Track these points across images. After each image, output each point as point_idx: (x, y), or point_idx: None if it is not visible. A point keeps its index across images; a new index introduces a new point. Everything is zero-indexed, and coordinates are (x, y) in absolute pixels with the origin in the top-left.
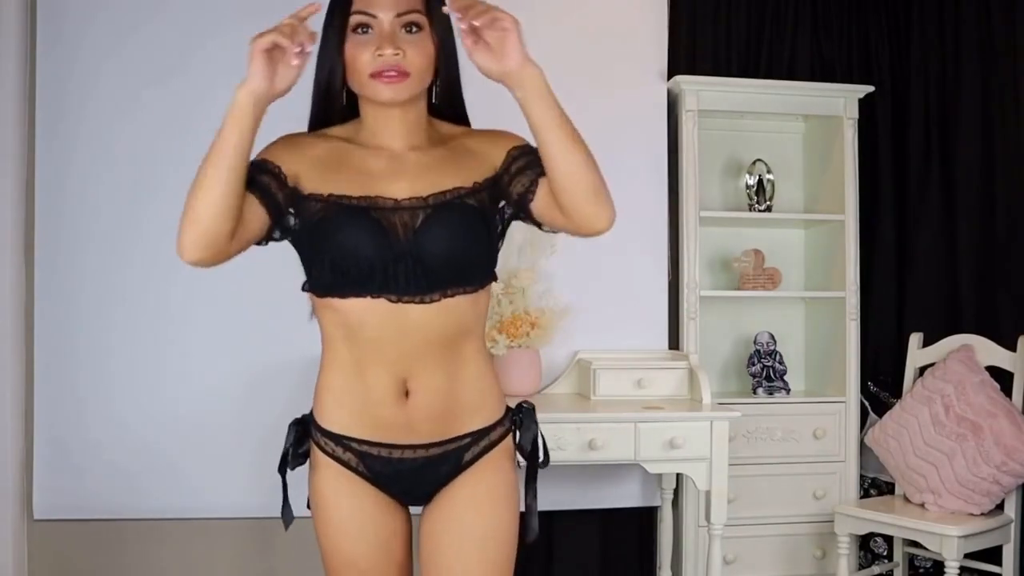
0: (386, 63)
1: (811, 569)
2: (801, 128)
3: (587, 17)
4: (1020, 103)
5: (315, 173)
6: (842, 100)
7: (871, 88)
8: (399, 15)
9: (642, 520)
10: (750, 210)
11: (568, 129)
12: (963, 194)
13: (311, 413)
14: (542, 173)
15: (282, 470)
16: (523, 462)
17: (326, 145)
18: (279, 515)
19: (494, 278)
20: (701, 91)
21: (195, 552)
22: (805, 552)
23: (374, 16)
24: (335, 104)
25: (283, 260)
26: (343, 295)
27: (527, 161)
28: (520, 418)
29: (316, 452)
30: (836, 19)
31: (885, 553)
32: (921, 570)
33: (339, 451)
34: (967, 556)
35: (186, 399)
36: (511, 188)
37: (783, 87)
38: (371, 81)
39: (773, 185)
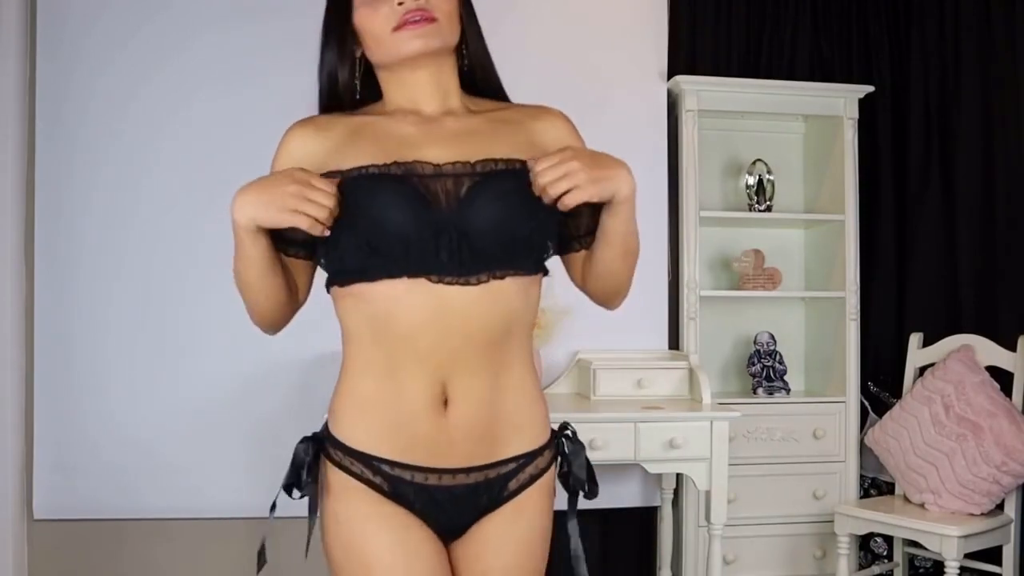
0: (409, 9)
1: (811, 569)
2: (801, 128)
3: (587, 17)
4: (1020, 103)
5: (338, 153)
6: (842, 100)
7: (871, 88)
8: None
9: (642, 520)
10: (750, 210)
11: (633, 241)
12: (963, 194)
13: (324, 428)
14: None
15: (286, 493)
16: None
17: (346, 121)
18: (279, 515)
19: (545, 270)
20: (701, 91)
21: (195, 552)
22: (805, 552)
23: None
24: (346, 86)
25: None
26: (372, 278)
27: (590, 212)
28: (567, 443)
29: (335, 475)
30: (836, 19)
31: (885, 553)
32: (921, 570)
33: (368, 473)
34: (967, 556)
35: (186, 399)
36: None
37: (783, 87)
38: (395, 35)
39: (773, 185)
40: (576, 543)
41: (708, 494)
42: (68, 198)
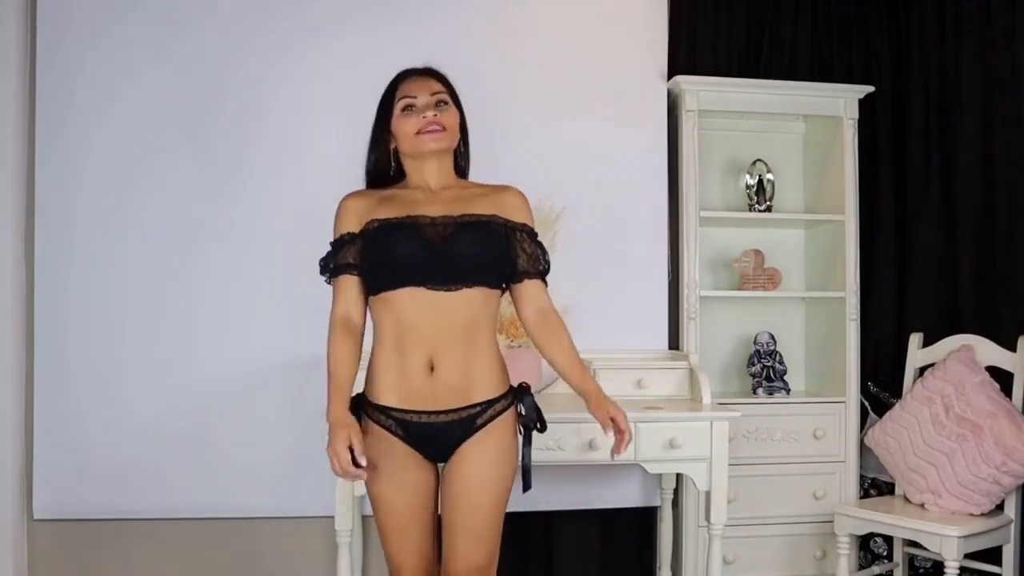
0: (430, 121)
1: (811, 569)
2: (801, 128)
3: (587, 17)
4: (1020, 103)
5: (374, 210)
6: (842, 100)
7: (871, 88)
8: (433, 94)
9: (642, 520)
10: (750, 210)
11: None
12: (963, 194)
13: (363, 392)
14: (529, 276)
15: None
16: (522, 429)
17: (381, 193)
18: (278, 515)
19: (502, 288)
20: (701, 91)
21: (195, 551)
22: (805, 552)
23: (415, 97)
24: (384, 168)
25: (284, 262)
26: (393, 288)
27: (528, 257)
28: (520, 394)
29: (366, 421)
30: (836, 19)
31: (885, 553)
32: (921, 570)
33: (383, 419)
34: (967, 556)
35: (186, 399)
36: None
37: (783, 87)
38: (418, 137)
39: (773, 185)
40: (527, 459)
41: (708, 494)
42: (68, 197)
